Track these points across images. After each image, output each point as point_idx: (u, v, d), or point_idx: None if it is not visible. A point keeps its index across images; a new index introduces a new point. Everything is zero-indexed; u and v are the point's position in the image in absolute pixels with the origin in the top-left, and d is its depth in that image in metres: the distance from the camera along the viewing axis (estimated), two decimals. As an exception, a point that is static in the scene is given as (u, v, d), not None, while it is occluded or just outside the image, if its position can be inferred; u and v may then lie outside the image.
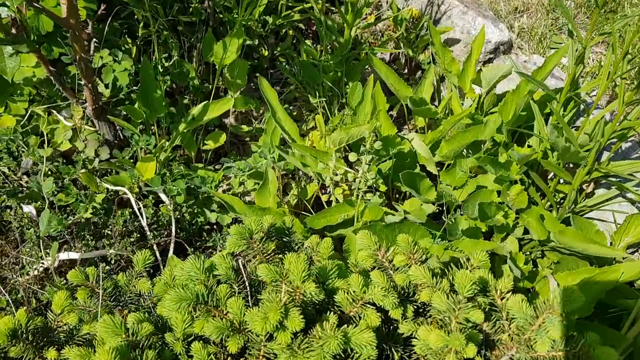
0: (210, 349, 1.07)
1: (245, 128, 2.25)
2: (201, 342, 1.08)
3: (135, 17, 2.32)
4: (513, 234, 1.83)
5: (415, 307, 1.13)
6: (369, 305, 1.07)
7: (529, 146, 1.99)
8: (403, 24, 2.35)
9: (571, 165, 1.96)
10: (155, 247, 1.74)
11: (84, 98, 1.95)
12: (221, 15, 2.36)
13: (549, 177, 2.01)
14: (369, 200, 1.70)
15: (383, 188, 1.73)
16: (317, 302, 1.08)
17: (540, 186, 1.76)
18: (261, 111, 2.35)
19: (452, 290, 1.09)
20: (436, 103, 2.26)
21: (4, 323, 1.04)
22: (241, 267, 1.30)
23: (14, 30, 1.52)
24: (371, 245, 1.23)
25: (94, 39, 1.76)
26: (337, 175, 1.64)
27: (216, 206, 1.97)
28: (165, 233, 1.87)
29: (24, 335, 1.05)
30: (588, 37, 1.56)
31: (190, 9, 2.32)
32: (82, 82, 1.76)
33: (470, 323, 1.03)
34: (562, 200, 1.91)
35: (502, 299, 1.11)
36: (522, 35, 2.54)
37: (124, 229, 1.70)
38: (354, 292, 1.08)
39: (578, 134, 1.71)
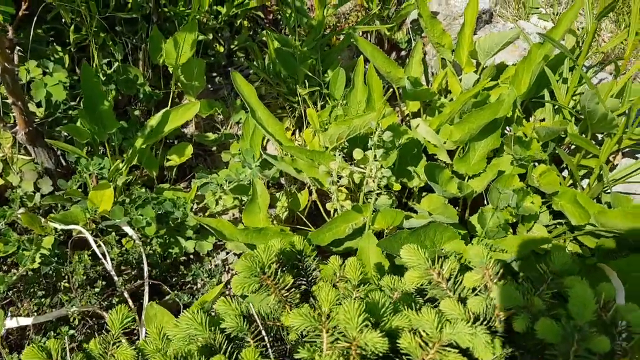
0: None
1: (211, 136, 1.93)
2: None
3: (63, 20, 1.96)
4: (539, 221, 1.60)
5: (501, 337, 0.86)
6: (448, 349, 0.79)
7: (537, 120, 1.77)
8: (374, 1, 2.09)
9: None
10: (125, 293, 1.40)
11: (12, 121, 1.59)
12: (165, 9, 2.03)
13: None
14: (380, 203, 1.42)
15: (397, 187, 1.46)
16: (380, 354, 0.79)
17: (567, 163, 1.54)
18: (225, 115, 2.03)
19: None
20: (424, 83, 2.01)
21: None
22: (254, 313, 1.00)
23: None
24: (422, 262, 0.95)
25: (18, 48, 1.41)
26: (342, 178, 1.36)
27: (191, 232, 1.64)
28: (135, 273, 1.54)
29: None
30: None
31: (129, 4, 1.97)
32: (9, 102, 1.40)
33: (595, 356, 0.77)
34: (584, 177, 1.70)
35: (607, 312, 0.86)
36: (499, 3, 2.33)
37: (84, 277, 1.35)
38: (426, 333, 0.80)
39: (605, 98, 1.49)
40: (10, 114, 1.68)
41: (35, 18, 1.79)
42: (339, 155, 1.33)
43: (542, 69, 1.56)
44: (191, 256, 1.70)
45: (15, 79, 1.35)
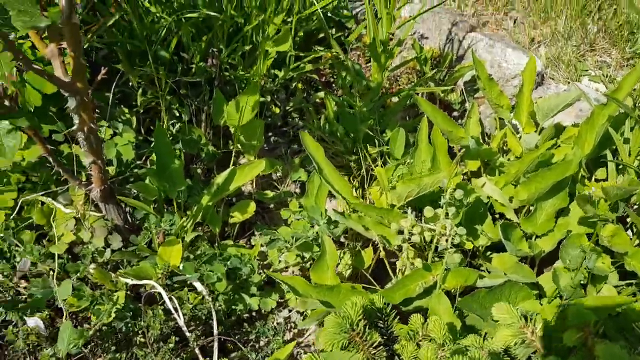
0: None
1: (269, 194, 1.97)
2: None
3: (130, 84, 2.06)
4: (608, 281, 1.57)
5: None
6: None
7: (596, 180, 1.77)
8: (428, 63, 2.15)
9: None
10: (197, 349, 1.40)
11: (85, 180, 1.65)
12: (227, 73, 2.12)
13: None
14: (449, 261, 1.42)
15: (469, 245, 1.46)
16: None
17: (638, 224, 1.52)
18: (283, 173, 2.07)
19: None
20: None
21: None
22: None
23: (7, 102, 1.23)
24: (515, 320, 0.94)
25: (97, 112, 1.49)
26: (413, 235, 1.37)
27: (255, 289, 1.65)
28: (202, 329, 1.54)
29: None
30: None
31: (193, 69, 2.07)
32: (89, 160, 1.46)
33: None
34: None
35: None
36: (549, 65, 2.37)
37: (158, 337, 1.36)
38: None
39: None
40: (83, 173, 1.74)
41: (111, 83, 1.90)
42: (412, 213, 1.34)
43: (605, 130, 1.57)
44: (253, 314, 1.70)
45: (98, 138, 1.42)
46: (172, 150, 1.66)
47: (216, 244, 1.74)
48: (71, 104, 1.29)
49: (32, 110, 1.66)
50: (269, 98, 2.19)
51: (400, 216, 1.41)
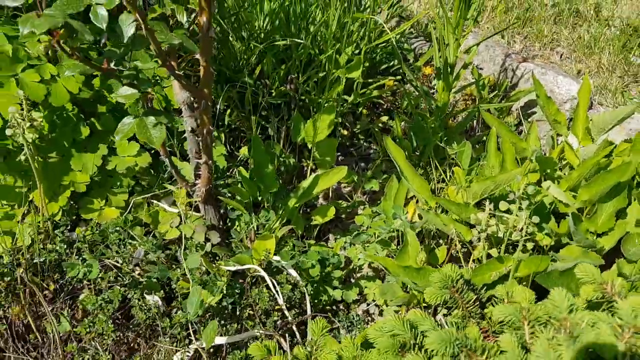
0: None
1: (343, 203, 2.16)
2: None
3: (217, 106, 2.31)
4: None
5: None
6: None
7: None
8: (486, 89, 2.36)
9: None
10: (294, 326, 1.57)
11: (190, 182, 1.87)
12: (302, 97, 2.36)
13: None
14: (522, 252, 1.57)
15: (540, 237, 1.62)
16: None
17: (693, 222, 1.66)
18: (356, 186, 2.27)
19: None
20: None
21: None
22: (444, 323, 1.16)
23: (149, 104, 1.47)
24: (597, 277, 1.10)
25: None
26: (489, 226, 1.54)
27: (337, 282, 1.82)
28: (295, 311, 1.71)
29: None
30: None
31: (273, 93, 2.32)
32: (201, 161, 1.69)
33: None
34: None
35: None
36: (597, 93, 2.56)
37: (263, 311, 1.54)
38: (621, 318, 0.94)
39: None
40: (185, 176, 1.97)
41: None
42: (489, 205, 1.52)
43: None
44: (334, 307, 1.87)
45: (212, 139, 1.64)
46: (266, 156, 1.88)
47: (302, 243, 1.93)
48: (197, 108, 1.53)
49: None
50: (340, 120, 2.41)
51: (476, 211, 1.58)
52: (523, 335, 0.98)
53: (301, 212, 2.06)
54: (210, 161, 1.70)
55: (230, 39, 2.30)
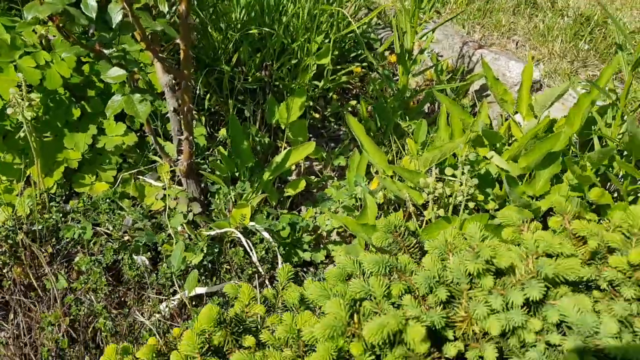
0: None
1: (314, 178, 2.37)
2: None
3: (198, 91, 2.51)
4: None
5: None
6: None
7: (586, 160, 2.15)
8: (443, 73, 2.58)
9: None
10: (267, 279, 1.78)
11: (174, 157, 2.06)
12: (276, 82, 2.56)
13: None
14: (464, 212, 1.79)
15: (481, 197, 1.84)
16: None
17: (617, 186, 1.90)
18: (325, 163, 2.48)
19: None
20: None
21: (208, 313, 1.08)
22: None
23: (135, 84, 1.67)
24: (518, 222, 1.32)
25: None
26: (436, 189, 1.75)
27: (307, 246, 2.03)
28: (268, 268, 1.92)
29: (225, 322, 1.09)
30: (641, 42, 1.78)
31: (249, 79, 2.52)
32: (183, 137, 1.88)
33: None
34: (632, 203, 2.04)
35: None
36: (547, 77, 2.79)
37: (239, 266, 1.75)
38: (526, 247, 1.16)
39: (643, 132, 1.88)
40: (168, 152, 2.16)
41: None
42: (435, 171, 1.73)
43: (591, 116, 1.97)
44: (304, 268, 2.08)
45: (193, 117, 1.84)
46: (242, 134, 2.08)
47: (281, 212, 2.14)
48: (179, 89, 1.72)
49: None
50: (311, 103, 2.62)
51: (426, 176, 1.80)
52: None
53: (276, 186, 2.26)
54: (191, 137, 1.90)
55: (210, 29, 2.50)
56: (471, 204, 1.78)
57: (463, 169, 1.73)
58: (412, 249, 1.39)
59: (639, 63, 1.82)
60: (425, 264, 1.13)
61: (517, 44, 3.08)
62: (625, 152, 1.99)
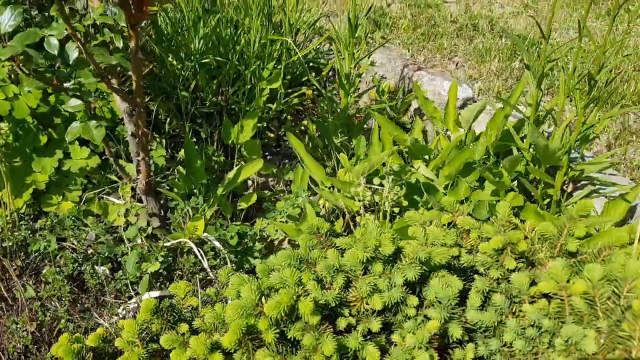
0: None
1: (267, 192, 2.58)
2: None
3: (160, 116, 2.72)
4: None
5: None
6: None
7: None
8: (385, 94, 2.83)
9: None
10: (217, 286, 1.98)
11: (134, 176, 2.26)
12: (233, 106, 2.79)
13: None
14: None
15: (405, 203, 2.06)
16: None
17: (530, 189, 2.14)
18: (278, 178, 2.70)
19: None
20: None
21: (146, 304, 1.28)
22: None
23: (92, 112, 1.88)
24: (419, 220, 1.54)
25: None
26: (365, 198, 1.97)
27: (258, 254, 2.24)
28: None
29: (161, 312, 1.29)
30: (542, 62, 2.04)
31: (207, 103, 2.74)
32: (139, 158, 2.09)
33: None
34: (549, 204, 2.28)
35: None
36: (482, 94, 3.05)
37: (190, 272, 1.95)
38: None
39: (551, 141, 2.13)
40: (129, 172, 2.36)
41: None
42: (363, 181, 1.96)
43: (506, 129, 2.22)
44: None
45: (148, 139, 2.05)
46: (197, 154, 2.29)
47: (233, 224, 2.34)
48: (133, 114, 1.94)
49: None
50: (265, 124, 2.85)
51: (357, 186, 2.02)
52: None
53: (231, 200, 2.47)
54: (147, 158, 2.11)
55: (170, 59, 2.72)
56: (396, 209, 2.00)
57: (388, 179, 1.95)
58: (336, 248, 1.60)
59: (541, 80, 2.08)
60: (329, 255, 1.34)
61: (457, 65, 3.35)
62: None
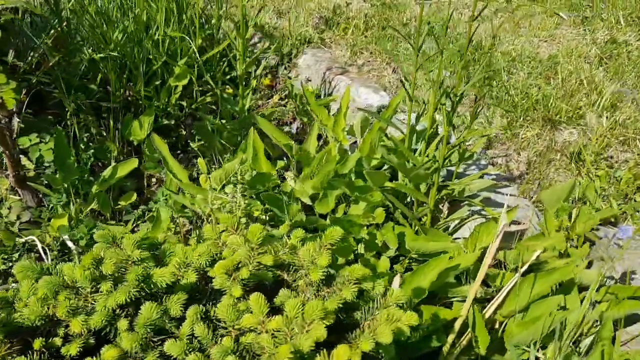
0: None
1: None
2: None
3: (67, 109, 2.70)
4: (386, 253, 2.04)
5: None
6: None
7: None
8: (298, 97, 2.73)
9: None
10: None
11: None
12: (146, 102, 2.74)
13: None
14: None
15: (257, 213, 1.98)
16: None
17: (398, 206, 2.02)
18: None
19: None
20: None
21: None
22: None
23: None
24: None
25: (18, 121, 2.11)
26: (214, 205, 1.89)
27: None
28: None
29: None
30: (414, 75, 1.92)
31: (112, 98, 2.70)
32: (2, 151, 2.07)
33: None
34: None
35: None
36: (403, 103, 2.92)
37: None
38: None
39: (422, 158, 2.00)
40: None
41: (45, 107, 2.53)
42: (215, 189, 1.88)
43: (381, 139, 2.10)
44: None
45: (4, 133, 2.02)
46: (68, 149, 2.25)
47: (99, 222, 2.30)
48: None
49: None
50: (173, 122, 2.79)
51: (207, 192, 1.95)
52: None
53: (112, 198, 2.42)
54: (11, 151, 2.08)
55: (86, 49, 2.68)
56: (244, 220, 1.92)
57: (236, 187, 1.87)
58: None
59: (411, 94, 1.96)
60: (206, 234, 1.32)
61: (394, 70, 3.22)
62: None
